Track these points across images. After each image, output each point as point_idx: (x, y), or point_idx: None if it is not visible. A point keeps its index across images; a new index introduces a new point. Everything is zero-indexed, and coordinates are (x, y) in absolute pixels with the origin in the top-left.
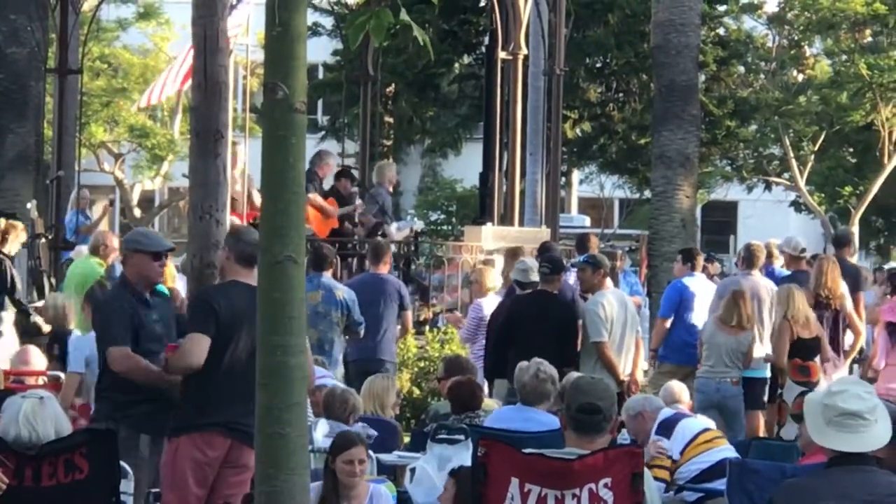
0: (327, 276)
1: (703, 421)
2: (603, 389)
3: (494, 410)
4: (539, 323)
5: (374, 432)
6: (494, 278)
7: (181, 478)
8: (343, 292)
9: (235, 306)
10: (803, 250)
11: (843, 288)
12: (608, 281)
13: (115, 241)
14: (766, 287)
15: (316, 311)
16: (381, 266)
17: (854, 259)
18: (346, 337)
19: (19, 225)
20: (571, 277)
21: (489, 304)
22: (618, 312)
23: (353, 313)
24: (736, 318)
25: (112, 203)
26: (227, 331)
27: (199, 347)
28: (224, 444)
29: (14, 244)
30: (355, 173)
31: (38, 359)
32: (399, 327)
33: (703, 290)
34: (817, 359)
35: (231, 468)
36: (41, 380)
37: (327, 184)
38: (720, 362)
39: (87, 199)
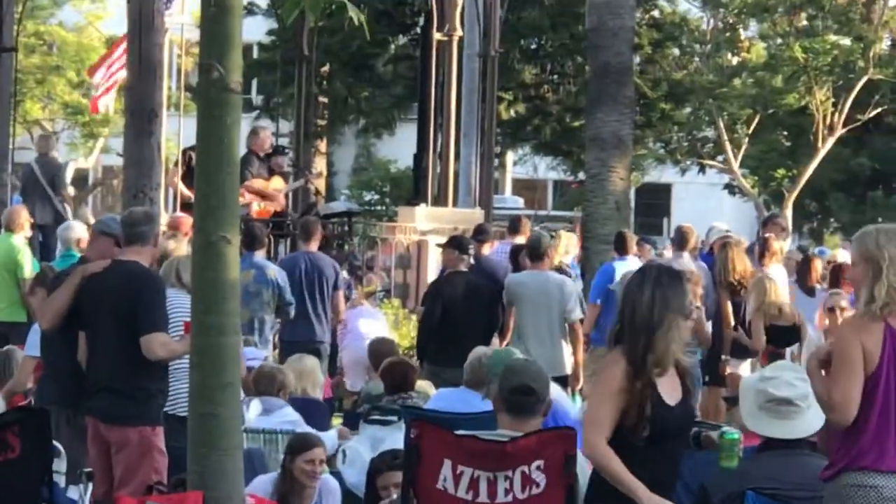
0: (259, 255)
1: None
2: (536, 371)
3: (439, 391)
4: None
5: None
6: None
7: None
8: (275, 272)
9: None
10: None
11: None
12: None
13: (25, 215)
14: (698, 269)
15: (248, 290)
16: (311, 243)
17: (788, 242)
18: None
19: None
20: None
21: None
22: (534, 295)
23: (284, 293)
24: None
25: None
26: (86, 309)
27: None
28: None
29: None
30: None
31: None
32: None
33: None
34: (797, 346)
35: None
36: None
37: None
38: None
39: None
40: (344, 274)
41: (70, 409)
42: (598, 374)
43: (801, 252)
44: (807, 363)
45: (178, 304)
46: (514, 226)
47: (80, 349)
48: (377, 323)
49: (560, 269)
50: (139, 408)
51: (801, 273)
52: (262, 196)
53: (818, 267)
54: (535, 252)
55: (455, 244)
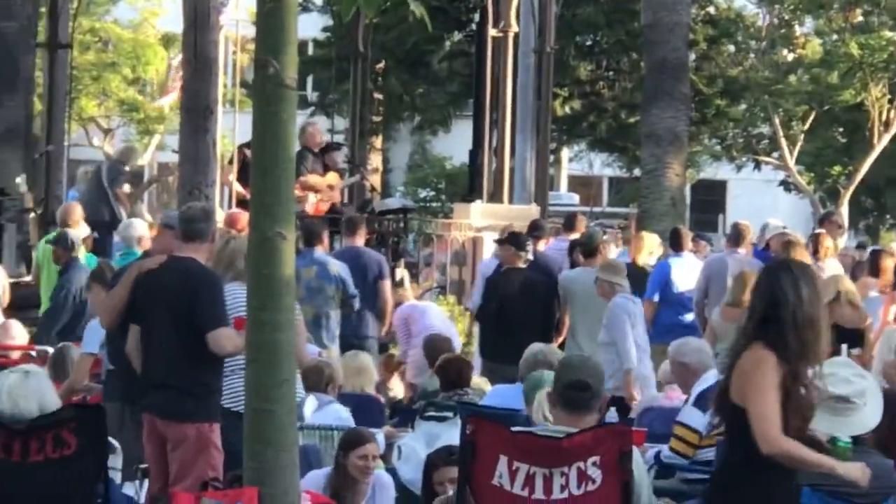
0: (319, 250)
1: None
2: (592, 366)
3: (494, 387)
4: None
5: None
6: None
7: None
8: (337, 267)
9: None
10: None
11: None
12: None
13: (80, 211)
14: (753, 266)
15: (310, 286)
16: (356, 238)
17: (844, 239)
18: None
19: None
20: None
21: None
22: (584, 291)
23: (347, 287)
24: (739, 299)
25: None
26: (142, 305)
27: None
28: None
29: None
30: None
31: (19, 332)
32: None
33: (690, 270)
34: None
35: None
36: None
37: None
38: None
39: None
40: (401, 269)
41: (134, 404)
42: (748, 373)
43: (862, 248)
44: (884, 369)
45: (236, 298)
46: (569, 222)
47: (129, 341)
48: (444, 318)
49: (643, 272)
50: (198, 404)
51: (872, 271)
52: (317, 191)
53: (890, 265)
54: (587, 248)
55: (512, 241)
